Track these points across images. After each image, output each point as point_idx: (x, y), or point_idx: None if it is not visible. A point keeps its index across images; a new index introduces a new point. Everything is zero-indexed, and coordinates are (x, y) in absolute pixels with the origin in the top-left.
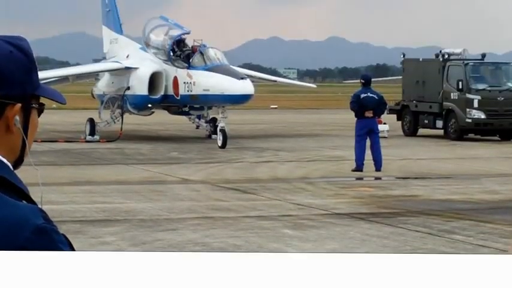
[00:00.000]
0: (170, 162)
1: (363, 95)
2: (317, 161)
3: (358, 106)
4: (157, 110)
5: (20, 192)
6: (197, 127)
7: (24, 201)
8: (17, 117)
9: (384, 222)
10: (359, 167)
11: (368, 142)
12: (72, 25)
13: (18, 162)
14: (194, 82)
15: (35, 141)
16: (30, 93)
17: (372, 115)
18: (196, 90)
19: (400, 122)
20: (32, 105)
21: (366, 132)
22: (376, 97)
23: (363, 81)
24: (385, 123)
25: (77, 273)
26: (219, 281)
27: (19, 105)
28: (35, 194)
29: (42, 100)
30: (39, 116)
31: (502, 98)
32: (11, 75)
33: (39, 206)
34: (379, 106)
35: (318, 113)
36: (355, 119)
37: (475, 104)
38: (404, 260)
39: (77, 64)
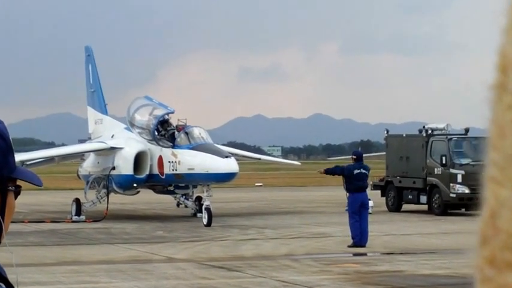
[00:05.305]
0: (156, 241)
1: (356, 171)
2: (301, 238)
3: (350, 181)
4: (143, 189)
5: None
6: (178, 205)
7: (1, 284)
8: None
9: None
10: (356, 243)
11: None
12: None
13: None
14: (179, 161)
15: (22, 222)
16: (7, 175)
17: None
18: (181, 169)
19: (384, 198)
20: (8, 187)
21: (359, 207)
22: (367, 173)
23: (354, 157)
24: (369, 199)
25: None
26: None
27: None
28: (20, 275)
29: (19, 182)
30: (16, 198)
31: None
32: None
33: None
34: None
35: (302, 190)
36: (347, 194)
37: (459, 179)
38: None
39: (63, 145)
